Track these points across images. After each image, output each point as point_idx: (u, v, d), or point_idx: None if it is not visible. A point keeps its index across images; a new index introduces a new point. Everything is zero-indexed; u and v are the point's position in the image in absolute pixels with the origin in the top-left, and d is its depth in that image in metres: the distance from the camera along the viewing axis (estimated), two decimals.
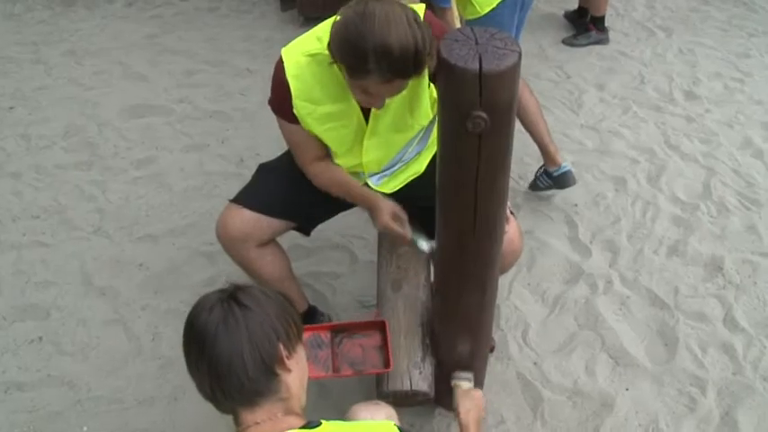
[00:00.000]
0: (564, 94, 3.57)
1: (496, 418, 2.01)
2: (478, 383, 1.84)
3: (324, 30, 1.57)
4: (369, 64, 1.40)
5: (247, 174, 2.96)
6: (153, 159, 3.09)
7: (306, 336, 1.63)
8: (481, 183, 1.33)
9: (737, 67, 3.80)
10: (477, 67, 1.16)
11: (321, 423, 1.04)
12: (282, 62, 1.62)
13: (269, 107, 1.73)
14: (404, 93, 1.58)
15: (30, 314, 2.36)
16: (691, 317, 2.32)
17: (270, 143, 3.18)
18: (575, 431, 1.98)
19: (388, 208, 1.79)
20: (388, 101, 1.59)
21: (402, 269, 1.93)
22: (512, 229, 1.79)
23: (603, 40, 4.03)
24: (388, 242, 2.00)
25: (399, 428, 1.08)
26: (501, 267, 1.87)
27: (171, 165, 3.06)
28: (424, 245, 1.79)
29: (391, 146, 1.78)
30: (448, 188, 1.40)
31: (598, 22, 4.02)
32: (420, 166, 1.92)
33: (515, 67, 1.19)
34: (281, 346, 1.07)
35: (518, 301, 2.40)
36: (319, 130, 1.68)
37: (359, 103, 1.61)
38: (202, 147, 3.18)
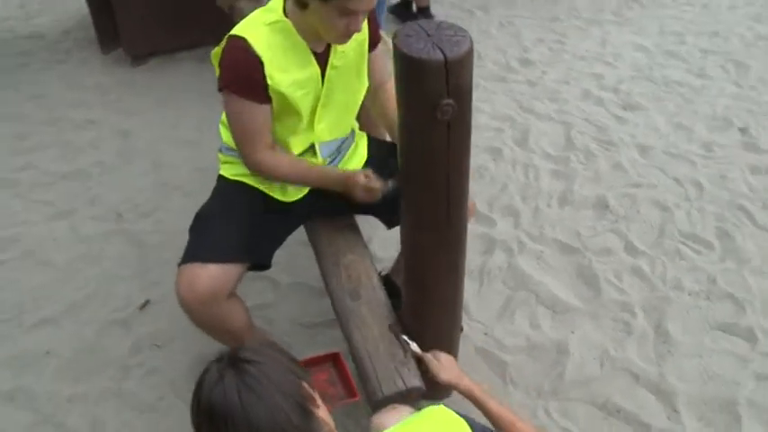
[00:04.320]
0: None
1: None
2: None
3: (274, 1, 1.62)
4: None
5: (132, 228, 2.79)
6: (17, 237, 2.74)
7: None
8: (452, 170, 1.38)
9: (553, 30, 4.23)
10: (442, 56, 1.20)
11: None
12: (241, 40, 1.57)
13: (226, 94, 1.62)
14: (351, 56, 1.70)
15: None
16: (598, 254, 2.56)
17: (144, 191, 2.98)
18: (544, 383, 2.10)
19: (358, 174, 1.77)
20: (343, 50, 1.68)
21: (353, 278, 1.92)
22: None
23: None
24: (328, 257, 1.97)
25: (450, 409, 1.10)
26: None
27: (41, 238, 2.74)
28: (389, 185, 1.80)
29: (340, 111, 1.80)
30: (419, 183, 1.42)
31: (424, 12, 4.25)
32: (362, 151, 1.98)
33: (472, 50, 1.25)
34: (305, 385, 1.05)
35: None
36: (295, 96, 1.65)
37: (338, 39, 1.60)
38: (69, 212, 2.88)
